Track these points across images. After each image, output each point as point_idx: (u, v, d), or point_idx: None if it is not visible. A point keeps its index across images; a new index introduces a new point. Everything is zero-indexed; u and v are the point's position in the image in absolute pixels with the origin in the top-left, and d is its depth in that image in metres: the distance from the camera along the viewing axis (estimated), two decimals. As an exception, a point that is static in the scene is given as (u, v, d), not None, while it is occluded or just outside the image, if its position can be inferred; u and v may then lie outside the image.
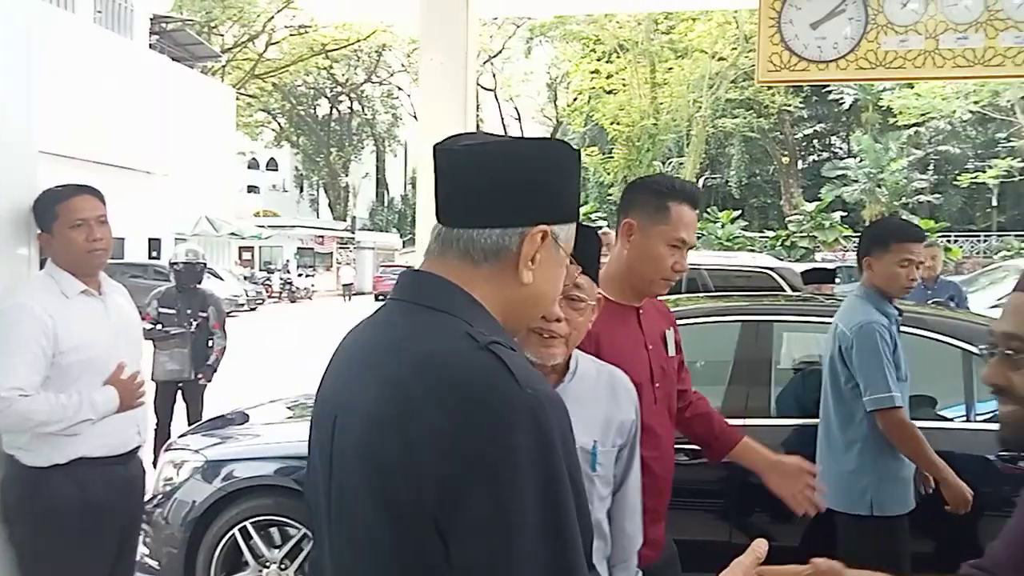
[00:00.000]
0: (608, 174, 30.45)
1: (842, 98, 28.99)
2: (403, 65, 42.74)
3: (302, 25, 33.01)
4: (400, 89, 46.49)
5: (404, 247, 36.57)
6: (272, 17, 34.20)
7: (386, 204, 49.53)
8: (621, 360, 1.85)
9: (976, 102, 22.47)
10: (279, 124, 45.75)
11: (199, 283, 5.50)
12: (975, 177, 25.60)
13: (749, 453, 2.10)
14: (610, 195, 30.16)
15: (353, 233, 39.24)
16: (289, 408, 4.20)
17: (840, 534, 2.59)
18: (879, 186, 27.63)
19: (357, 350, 1.00)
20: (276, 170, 50.37)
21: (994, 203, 29.71)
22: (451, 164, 0.99)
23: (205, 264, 5.59)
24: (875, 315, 2.58)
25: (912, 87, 22.00)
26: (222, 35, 36.37)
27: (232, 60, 36.47)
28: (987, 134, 28.67)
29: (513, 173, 0.97)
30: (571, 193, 1.03)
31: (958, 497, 2.50)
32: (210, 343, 5.41)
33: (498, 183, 0.96)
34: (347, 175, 45.40)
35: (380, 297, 27.93)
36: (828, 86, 26.55)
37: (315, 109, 46.97)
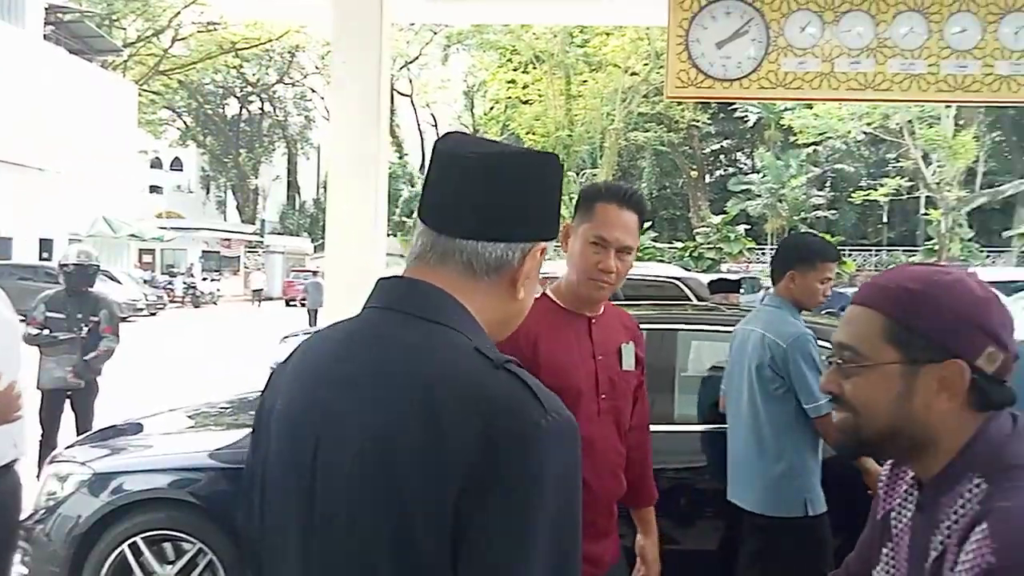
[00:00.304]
0: (523, 183, 30.69)
1: (747, 116, 30.20)
2: (317, 67, 41.95)
3: (211, 22, 31.95)
4: (314, 91, 45.60)
5: (316, 252, 35.79)
6: (179, 12, 32.95)
7: (297, 208, 48.41)
8: (558, 364, 1.86)
9: (869, 124, 23.82)
10: (184, 123, 44.11)
11: (91, 286, 5.21)
12: (867, 195, 27.11)
13: (644, 517, 2.15)
14: (525, 204, 30.40)
15: (262, 237, 38.15)
16: (190, 417, 4.03)
17: (769, 539, 2.65)
18: (780, 201, 28.89)
19: (341, 366, 0.92)
20: (181, 170, 48.48)
21: (885, 219, 31.58)
22: (462, 172, 0.94)
23: (98, 266, 5.29)
24: (803, 327, 2.70)
25: (811, 107, 23.13)
26: (124, 29, 34.79)
27: (135, 55, 34.91)
28: (879, 154, 30.43)
29: (523, 188, 0.95)
30: (558, 210, 1.02)
31: (877, 478, 2.65)
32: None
33: (510, 197, 0.94)
34: (257, 177, 44.16)
35: (291, 303, 27.24)
36: (734, 104, 27.62)
37: (223, 108, 45.53)
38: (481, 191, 0.94)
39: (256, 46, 37.16)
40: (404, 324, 0.91)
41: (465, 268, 0.94)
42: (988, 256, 27.01)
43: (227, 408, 4.17)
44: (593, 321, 1.97)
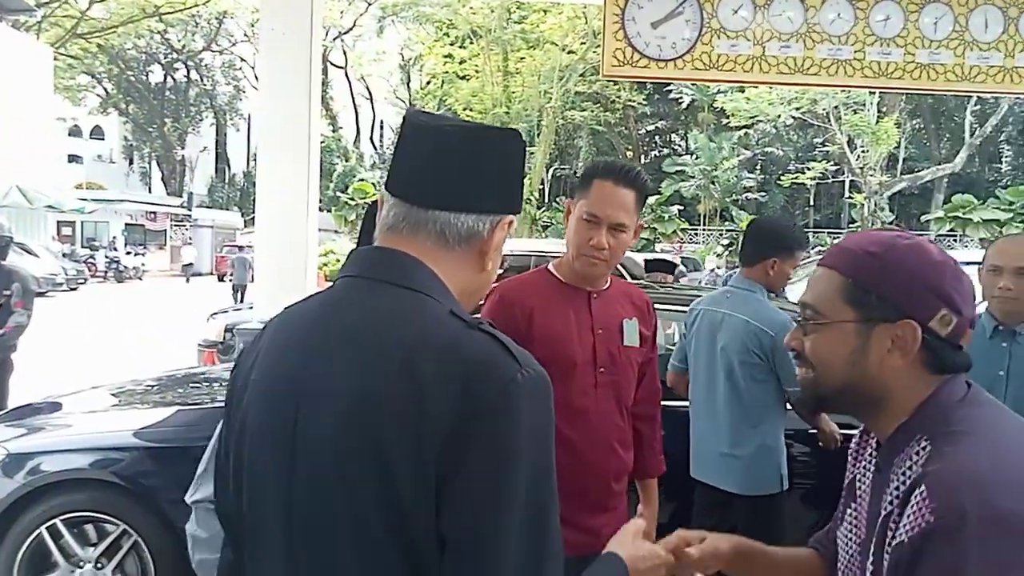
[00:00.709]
0: (460, 160, 30.50)
1: (681, 97, 30.62)
2: (246, 35, 40.58)
3: (133, -17, 30.50)
4: (243, 60, 44.17)
5: (246, 226, 34.85)
6: (98, -29, 31.36)
7: (227, 180, 46.99)
8: (553, 336, 1.89)
9: (798, 108, 24.47)
10: (105, 89, 42.18)
11: (3, 259, 4.96)
12: (796, 178, 27.92)
13: (646, 487, 2.18)
14: (462, 181, 30.24)
15: (190, 210, 36.91)
16: (114, 395, 3.89)
17: (751, 516, 2.73)
18: (713, 183, 29.50)
19: (318, 334, 0.93)
20: (102, 139, 46.38)
21: (811, 202, 32.60)
22: (434, 145, 0.97)
23: (11, 239, 5.03)
24: (786, 315, 2.78)
25: (743, 91, 23.61)
26: (38, -13, 32.89)
27: (50, 16, 33.07)
28: (806, 139, 31.33)
29: (495, 162, 0.99)
30: (523, 186, 1.06)
31: (831, 437, 2.89)
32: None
33: (481, 170, 0.98)
34: (183, 148, 42.62)
35: (223, 278, 26.42)
36: (669, 85, 27.96)
37: (147, 76, 43.69)
38: (454, 164, 0.97)
39: (181, 11, 35.62)
40: (378, 291, 0.94)
41: (438, 237, 0.97)
42: (906, 238, 28.20)
43: (154, 386, 4.04)
44: (594, 296, 1.99)
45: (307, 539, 0.90)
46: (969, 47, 4.63)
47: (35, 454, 3.11)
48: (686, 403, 3.00)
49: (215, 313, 7.78)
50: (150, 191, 43.60)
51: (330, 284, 1.02)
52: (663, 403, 2.44)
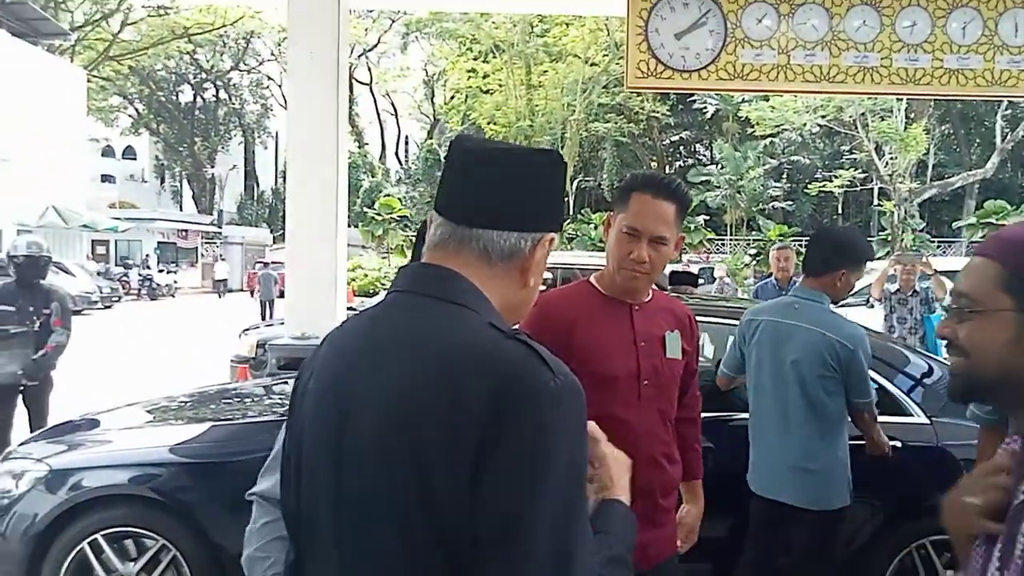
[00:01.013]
0: (484, 173, 30.65)
1: (705, 107, 30.51)
2: (273, 54, 41.27)
3: (161, 6, 31.15)
4: (270, 79, 44.86)
5: (275, 242, 35.29)
6: (129, -4, 32.10)
7: (256, 197, 47.63)
8: (594, 350, 1.88)
9: (824, 116, 24.25)
10: (136, 110, 43.05)
11: (42, 278, 5.08)
12: (823, 186, 27.61)
13: (691, 488, 2.20)
14: (486, 194, 30.36)
15: (220, 227, 37.46)
16: (149, 412, 3.95)
17: (819, 531, 2.71)
18: (739, 192, 29.30)
19: (365, 343, 1.01)
20: (134, 159, 47.31)
21: (840, 210, 32.22)
22: (480, 168, 1.04)
23: (50, 257, 5.15)
24: (860, 327, 2.78)
25: (767, 99, 23.47)
26: (71, 11, 33.74)
27: (83, 39, 33.89)
28: (833, 146, 31.02)
29: (535, 182, 1.05)
30: (563, 205, 1.11)
31: (881, 444, 2.85)
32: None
33: (523, 190, 1.04)
34: (213, 166, 43.30)
35: (254, 294, 26.69)
36: (692, 95, 27.89)
37: (177, 96, 44.55)
38: (497, 185, 1.03)
39: (209, 31, 36.36)
40: (422, 303, 1.00)
41: (481, 254, 1.02)
42: (939, 246, 27.77)
43: (187, 402, 4.11)
44: (636, 308, 1.97)
45: (354, 535, 0.94)
46: (999, 51, 4.58)
47: (76, 470, 3.16)
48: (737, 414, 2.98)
49: (247, 329, 7.89)
50: (181, 209, 44.33)
51: (380, 299, 1.09)
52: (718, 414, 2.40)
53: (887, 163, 24.72)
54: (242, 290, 31.03)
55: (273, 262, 21.57)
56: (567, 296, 2.03)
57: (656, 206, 1.88)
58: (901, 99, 21.02)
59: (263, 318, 17.54)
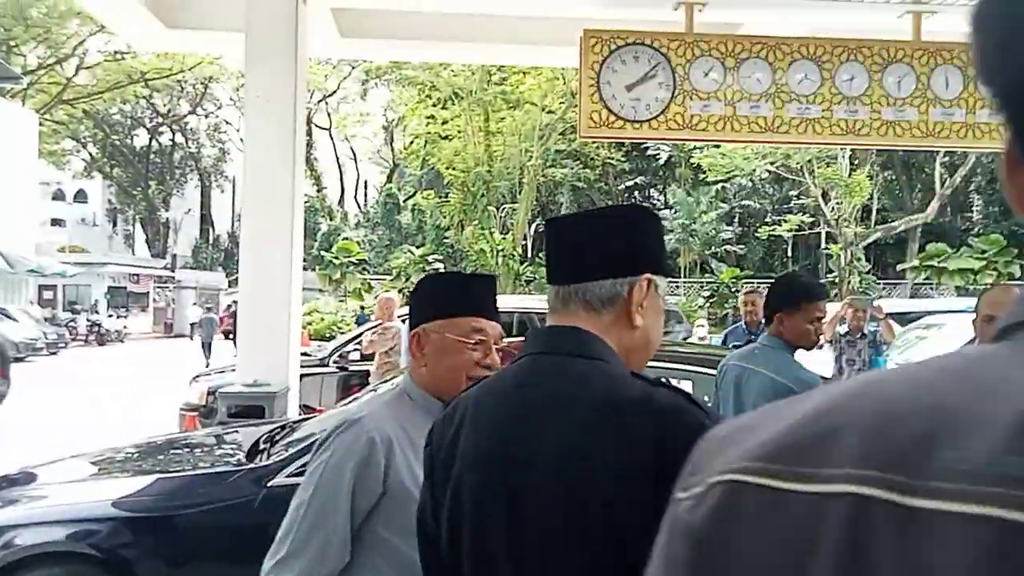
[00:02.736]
0: (444, 217, 30.77)
1: (659, 154, 31.25)
2: (232, 98, 41.14)
3: (118, 51, 30.97)
4: (228, 123, 44.67)
5: (230, 286, 34.73)
6: (83, 40, 31.82)
7: (211, 241, 46.98)
8: None
9: (772, 163, 25.00)
10: (90, 153, 42.38)
11: (-16, 326, 4.93)
12: (773, 230, 28.35)
13: None
14: (446, 238, 30.42)
15: (173, 271, 36.79)
16: (93, 463, 3.83)
17: None
18: (692, 236, 29.88)
19: (517, 402, 1.09)
20: (85, 202, 46.40)
21: (789, 253, 33.01)
22: (567, 233, 1.19)
23: (-8, 305, 5.01)
24: (814, 373, 2.78)
25: (718, 147, 24.12)
26: (24, 55, 33.30)
27: (36, 83, 33.42)
28: (782, 192, 31.91)
29: (618, 231, 1.16)
30: (662, 249, 1.22)
31: None
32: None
33: (607, 240, 1.15)
34: (168, 210, 42.71)
35: (227, 336, 26.19)
36: (646, 142, 28.51)
37: (132, 139, 44.02)
38: (582, 242, 1.16)
39: (167, 76, 36.17)
40: (560, 362, 1.10)
41: (584, 305, 1.13)
42: (884, 288, 28.57)
43: (134, 453, 3.99)
44: None
45: (541, 560, 1.02)
46: (932, 104, 4.80)
47: (10, 527, 3.05)
48: None
49: (197, 376, 7.71)
50: (133, 253, 43.46)
51: (515, 361, 1.18)
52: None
53: (833, 208, 25.51)
54: (193, 337, 30.31)
55: (210, 306, 22.25)
56: None
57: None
58: (844, 148, 21.78)
59: (205, 358, 18.82)
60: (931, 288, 27.39)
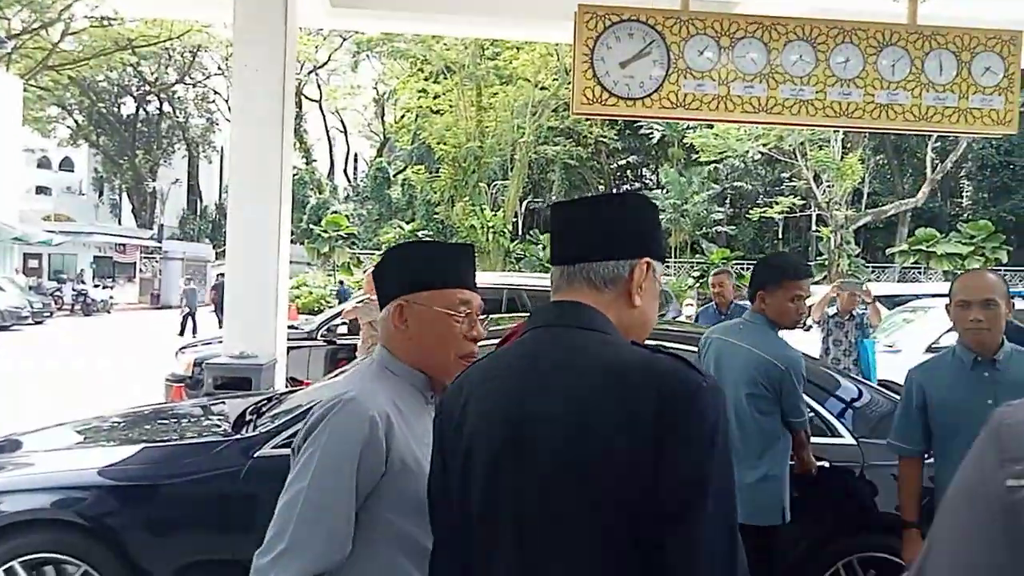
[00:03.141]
0: (435, 192, 30.65)
1: (652, 133, 31.14)
2: (220, 68, 40.64)
3: (105, 17, 30.44)
4: (217, 93, 44.15)
5: (218, 258, 34.54)
6: (69, 5, 31.26)
7: (199, 212, 46.63)
8: None
9: (765, 144, 24.98)
10: (76, 121, 41.83)
11: (-33, 293, 4.88)
12: (764, 211, 28.38)
13: None
14: (436, 213, 30.31)
15: (160, 242, 36.54)
16: (78, 432, 3.81)
17: (751, 546, 2.76)
18: (683, 216, 29.89)
19: (526, 369, 1.16)
20: (72, 171, 45.92)
21: (780, 235, 33.12)
22: (571, 215, 1.26)
23: (-25, 272, 4.96)
24: (797, 351, 2.83)
25: (711, 127, 24.07)
26: (8, 19, 32.70)
27: (20, 48, 32.86)
28: (774, 174, 31.94)
29: (621, 216, 1.23)
30: (660, 235, 1.29)
31: (809, 466, 2.97)
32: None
33: (611, 224, 1.22)
34: (155, 180, 42.30)
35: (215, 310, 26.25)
36: (639, 121, 28.41)
37: (119, 107, 43.48)
38: (588, 224, 1.23)
39: (155, 44, 35.63)
40: (565, 333, 1.17)
41: (589, 284, 1.21)
42: (873, 271, 28.74)
43: (120, 422, 3.98)
44: None
45: (542, 532, 1.08)
46: (925, 88, 4.79)
47: (-5, 493, 3.04)
48: None
49: (184, 348, 7.69)
50: (120, 223, 43.12)
51: (521, 335, 1.24)
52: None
53: (824, 191, 25.55)
54: (180, 306, 30.19)
55: (219, 275, 22.46)
56: None
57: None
58: (837, 130, 21.79)
59: (184, 331, 19.53)
60: (919, 272, 27.58)
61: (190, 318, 20.42)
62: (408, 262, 1.60)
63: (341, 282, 22.51)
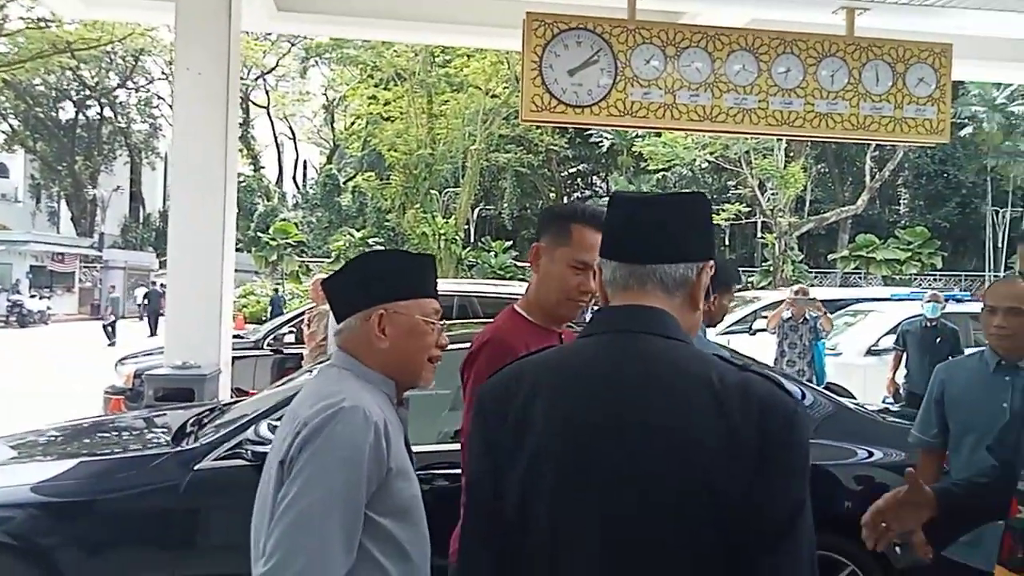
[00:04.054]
0: (386, 200, 30.39)
1: (601, 141, 31.42)
2: (164, 72, 39.71)
3: (41, 18, 29.51)
4: (161, 98, 43.09)
5: (161, 267, 33.66)
6: (3, 6, 30.22)
7: (141, 220, 45.42)
8: None
9: (712, 153, 25.44)
10: (11, 126, 40.35)
11: None
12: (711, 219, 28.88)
13: None
14: (387, 221, 30.08)
15: (101, 251, 35.45)
16: (13, 447, 3.66)
17: None
18: (633, 223, 30.21)
19: (608, 378, 1.12)
20: (7, 177, 44.20)
21: (727, 242, 33.72)
22: (644, 212, 1.21)
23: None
24: (713, 345, 2.93)
25: (659, 135, 24.42)
26: (-61, 19, 31.45)
27: (-49, 49, 31.63)
28: (721, 182, 32.53)
29: (691, 218, 1.22)
30: (714, 237, 1.29)
31: None
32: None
33: (683, 226, 1.20)
34: (95, 187, 41.06)
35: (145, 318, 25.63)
36: (589, 130, 28.66)
37: (57, 112, 42.09)
38: (661, 225, 1.19)
39: (95, 47, 34.64)
40: (649, 341, 1.14)
41: (661, 287, 1.18)
42: (815, 277, 29.47)
43: (57, 436, 3.83)
44: (563, 336, 2.01)
45: (633, 549, 1.06)
46: (863, 98, 4.94)
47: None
48: None
49: (123, 359, 7.46)
50: (59, 231, 41.72)
51: (582, 338, 1.22)
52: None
53: (769, 199, 26.14)
54: (123, 317, 29.35)
55: (161, 284, 21.98)
56: (513, 328, 1.99)
57: (596, 238, 1.95)
58: (780, 139, 22.32)
59: (113, 340, 19.66)
60: (860, 277, 28.37)
61: (112, 326, 20.74)
62: (385, 272, 1.61)
63: (276, 290, 21.97)
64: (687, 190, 1.34)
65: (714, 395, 1.07)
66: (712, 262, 1.22)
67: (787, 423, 1.07)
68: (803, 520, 1.07)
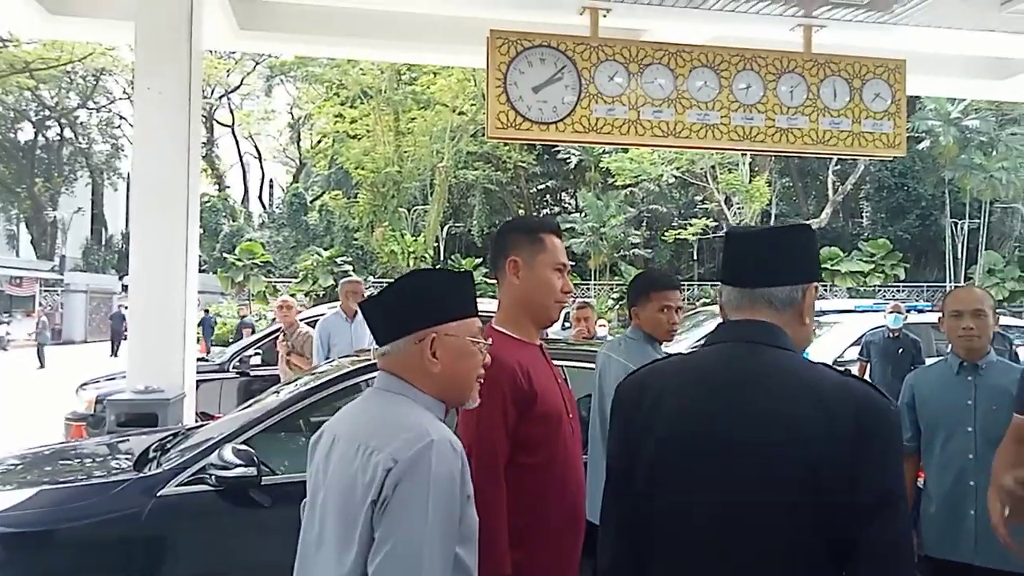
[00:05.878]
0: (353, 218, 30.26)
1: (569, 158, 31.65)
2: (126, 92, 39.22)
3: None
4: (123, 118, 42.53)
5: (124, 290, 33.05)
6: (-39, 25, 29.64)
7: (103, 242, 44.63)
8: (545, 392, 1.96)
9: (678, 168, 25.79)
10: (-32, 147, 39.52)
11: None
12: (679, 233, 29.20)
13: None
14: (355, 239, 29.91)
15: (62, 274, 34.72)
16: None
17: None
18: (601, 239, 30.41)
19: (727, 377, 1.34)
20: (-38, 200, 43.20)
21: (695, 256, 34.08)
22: (752, 243, 1.45)
23: None
24: (652, 356, 2.84)
25: (626, 151, 24.69)
26: None
27: (-95, 69, 30.93)
28: (688, 196, 32.92)
29: (794, 245, 1.43)
30: (818, 260, 1.51)
31: None
32: None
33: (788, 253, 1.42)
34: (56, 209, 40.29)
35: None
36: (557, 146, 28.88)
37: (15, 133, 41.30)
38: (769, 254, 1.42)
39: (54, 67, 34.12)
40: (762, 349, 1.35)
41: (769, 306, 1.39)
42: (781, 289, 29.85)
43: (16, 464, 3.72)
44: (542, 348, 2.10)
45: (743, 533, 1.25)
46: (822, 114, 5.04)
47: None
48: None
49: (84, 384, 7.29)
50: (17, 255, 40.80)
51: (699, 348, 1.46)
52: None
53: (735, 213, 26.52)
54: (84, 342, 28.75)
55: (124, 307, 21.78)
56: (501, 346, 1.99)
57: (560, 242, 2.14)
58: (744, 154, 22.69)
59: (42, 364, 20.03)
60: (825, 289, 28.83)
61: (43, 348, 21.08)
62: (433, 293, 1.55)
63: (242, 317, 21.54)
64: (792, 223, 1.63)
65: (817, 392, 1.25)
66: (816, 284, 1.42)
67: (880, 418, 1.24)
68: (893, 506, 1.22)
